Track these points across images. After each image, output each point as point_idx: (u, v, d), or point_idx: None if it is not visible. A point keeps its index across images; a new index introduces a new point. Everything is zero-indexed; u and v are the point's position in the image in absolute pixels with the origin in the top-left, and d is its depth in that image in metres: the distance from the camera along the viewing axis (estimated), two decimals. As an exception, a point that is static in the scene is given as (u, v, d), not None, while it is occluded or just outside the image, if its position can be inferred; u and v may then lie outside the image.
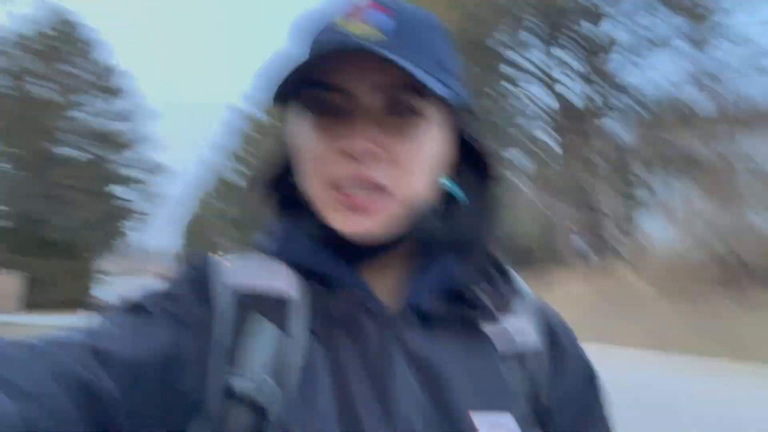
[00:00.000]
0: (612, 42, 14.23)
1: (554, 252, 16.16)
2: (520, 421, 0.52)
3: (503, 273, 0.60)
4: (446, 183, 0.56)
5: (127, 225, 20.79)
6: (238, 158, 36.89)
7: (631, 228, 15.78)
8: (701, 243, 11.41)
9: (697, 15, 12.52)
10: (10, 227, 17.10)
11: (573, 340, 0.60)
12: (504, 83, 16.27)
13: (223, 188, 41.32)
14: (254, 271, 0.54)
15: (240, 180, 36.61)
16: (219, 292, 0.51)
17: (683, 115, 12.59)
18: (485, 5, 12.58)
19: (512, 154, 17.23)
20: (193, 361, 0.47)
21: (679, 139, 12.15)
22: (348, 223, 0.50)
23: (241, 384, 0.48)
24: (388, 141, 0.50)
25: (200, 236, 51.21)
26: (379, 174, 0.50)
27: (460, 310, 0.54)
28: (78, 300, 16.79)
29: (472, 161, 0.58)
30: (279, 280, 0.53)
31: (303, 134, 0.53)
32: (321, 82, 0.50)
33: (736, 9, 12.67)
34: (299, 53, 0.50)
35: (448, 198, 0.56)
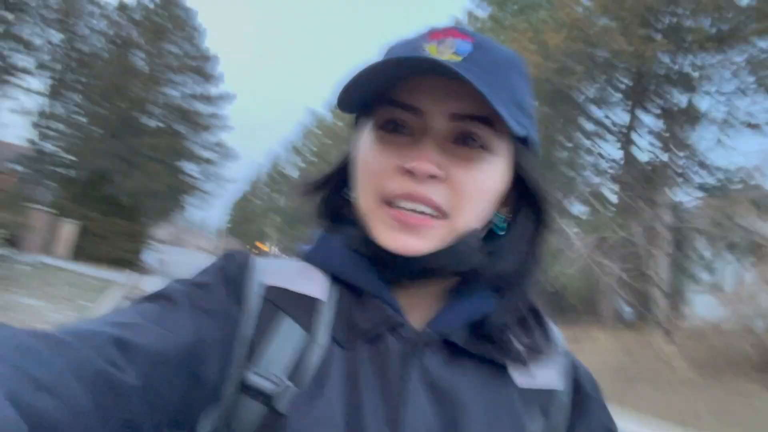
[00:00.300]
0: (699, 114, 14.09)
1: (594, 309, 16.00)
2: None
3: (538, 318, 0.59)
4: (499, 219, 0.57)
5: (188, 199, 21.64)
6: (297, 151, 37.78)
7: (679, 301, 15.49)
8: (745, 326, 11.17)
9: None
10: (79, 179, 18.12)
11: (598, 394, 0.60)
12: (580, 135, 16.29)
13: (277, 177, 42.34)
14: (290, 273, 0.55)
15: (294, 172, 37.47)
16: (250, 288, 0.52)
17: (756, 200, 12.36)
18: (576, 55, 12.69)
19: (574, 206, 17.21)
20: (215, 352, 0.47)
21: (746, 222, 11.95)
22: (397, 240, 0.50)
23: (257, 380, 0.48)
24: (451, 167, 0.51)
25: (245, 218, 52.45)
26: (437, 197, 0.50)
27: (487, 347, 0.54)
28: (126, 260, 17.61)
29: (527, 202, 0.57)
30: (312, 284, 0.54)
31: (367, 148, 0.53)
32: (396, 100, 0.51)
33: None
34: (377, 67, 0.49)
35: (494, 234, 0.57)
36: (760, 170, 12.68)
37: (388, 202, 0.51)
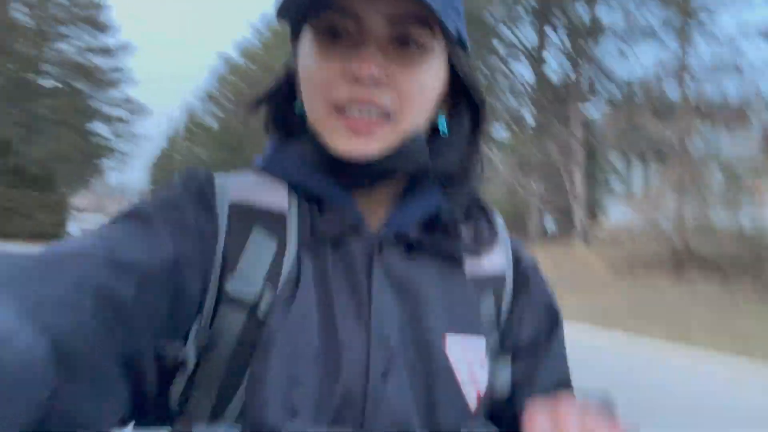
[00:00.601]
0: (602, 27, 14.61)
1: (520, 225, 16.92)
2: (489, 345, 0.57)
3: (482, 210, 0.63)
4: (441, 118, 0.59)
5: (105, 163, 20.54)
6: (213, 100, 36.24)
7: (596, 210, 16.62)
8: (654, 228, 12.24)
9: (686, 10, 12.97)
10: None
11: (538, 273, 0.64)
12: (493, 57, 16.56)
13: (195, 129, 40.60)
14: (251, 187, 0.56)
15: (212, 122, 36.05)
16: (218, 203, 0.54)
17: (660, 107, 13.21)
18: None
19: (492, 127, 17.71)
20: (194, 266, 0.49)
21: (653, 129, 12.80)
22: (349, 146, 0.52)
23: (236, 289, 0.51)
24: (393, 70, 0.52)
25: (168, 176, 50.32)
26: (383, 100, 0.52)
27: (440, 239, 0.58)
28: (49, 233, 16.74)
29: (464, 100, 0.60)
30: (274, 195, 0.56)
31: (310, 58, 0.54)
32: (334, 5, 0.51)
33: (719, 9, 13.16)
34: None
35: (436, 132, 0.59)
36: (659, 80, 13.50)
37: (338, 109, 0.52)
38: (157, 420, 0.51)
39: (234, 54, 32.98)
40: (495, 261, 0.61)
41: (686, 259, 11.15)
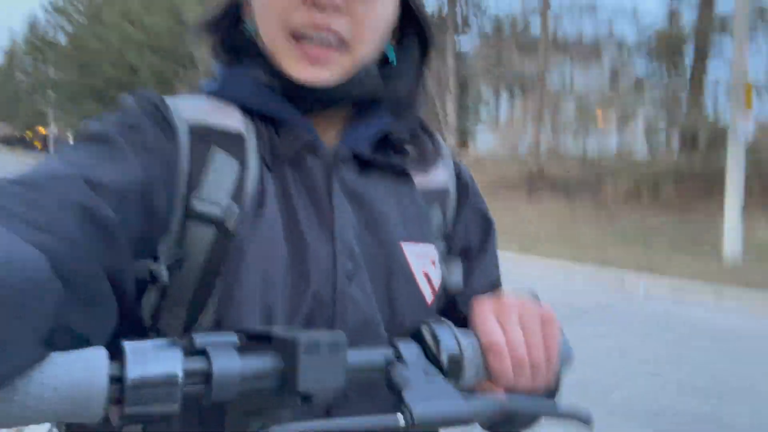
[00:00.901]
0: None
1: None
2: (438, 251, 0.61)
3: (427, 132, 0.66)
4: (390, 48, 0.61)
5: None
6: (62, 12, 32.01)
7: (465, 137, 17.70)
8: (513, 153, 13.45)
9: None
10: None
11: (474, 183, 0.69)
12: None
13: (40, 45, 35.82)
14: (205, 109, 0.56)
15: (62, 38, 32.02)
16: (176, 124, 0.54)
17: (524, 42, 14.13)
18: None
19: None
20: (161, 185, 0.50)
21: (517, 63, 13.72)
22: (305, 73, 0.54)
23: (203, 206, 0.52)
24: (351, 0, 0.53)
25: (11, 97, 44.38)
26: (340, 27, 0.53)
27: (391, 156, 0.61)
28: None
29: (412, 30, 0.62)
30: (229, 117, 0.56)
31: None
32: None
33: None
34: None
35: (385, 61, 0.61)
36: (525, 16, 14.36)
37: (295, 35, 0.53)
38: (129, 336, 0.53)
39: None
40: (439, 175, 0.65)
41: (539, 181, 12.48)
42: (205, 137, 0.55)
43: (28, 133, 45.27)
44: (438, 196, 0.64)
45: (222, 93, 0.59)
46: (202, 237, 0.52)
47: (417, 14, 0.61)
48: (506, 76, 14.62)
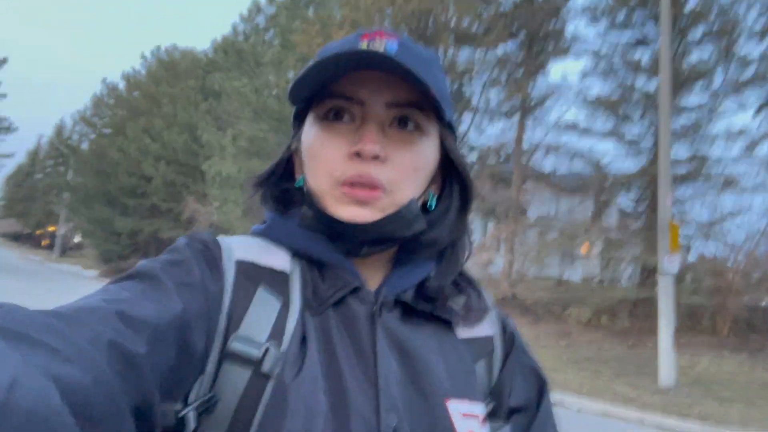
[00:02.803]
0: (467, 103, 16.85)
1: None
2: (487, 412, 0.59)
3: (469, 281, 0.67)
4: (431, 195, 0.63)
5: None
6: (87, 122, 34.76)
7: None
8: (484, 273, 14.24)
9: (526, 101, 15.55)
10: None
11: (524, 346, 0.67)
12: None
13: (63, 149, 38.36)
14: (255, 248, 0.59)
15: (85, 144, 34.40)
16: (223, 262, 0.56)
17: (499, 174, 15.54)
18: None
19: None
20: (200, 323, 0.50)
21: (491, 193, 14.99)
22: (349, 212, 0.56)
23: (240, 346, 0.51)
24: (392, 148, 0.58)
25: (26, 196, 46.50)
26: (381, 176, 0.57)
27: (432, 306, 0.61)
28: None
29: (452, 179, 0.65)
30: (276, 257, 0.59)
31: (315, 138, 0.59)
32: (340, 92, 0.57)
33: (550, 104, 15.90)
34: (326, 61, 0.54)
35: (426, 211, 0.63)
36: (496, 150, 15.95)
37: (342, 183, 0.57)
38: None
39: (119, 82, 32.13)
40: (485, 329, 0.64)
41: (510, 304, 13.25)
42: (252, 275, 0.56)
43: (38, 231, 46.71)
44: (483, 350, 0.63)
45: (269, 234, 0.62)
46: (236, 379, 0.50)
47: (456, 163, 0.64)
48: (482, 204, 15.78)
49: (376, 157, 0.57)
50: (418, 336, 0.59)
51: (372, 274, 0.61)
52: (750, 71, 11.74)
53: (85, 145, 33.99)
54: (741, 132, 11.95)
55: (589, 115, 13.89)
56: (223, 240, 0.59)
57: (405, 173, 0.58)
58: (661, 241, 8.27)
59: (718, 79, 12.17)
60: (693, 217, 12.35)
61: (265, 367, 0.51)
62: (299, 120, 0.64)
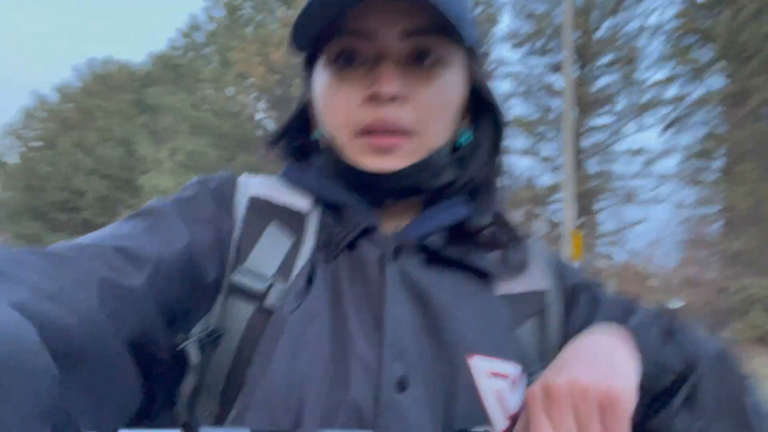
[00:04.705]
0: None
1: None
2: (526, 374, 0.50)
3: (511, 228, 0.59)
4: (462, 131, 0.57)
5: None
6: (18, 136, 33.42)
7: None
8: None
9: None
10: None
11: (579, 274, 0.59)
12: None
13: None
14: (276, 187, 0.57)
15: (12, 158, 33.04)
16: (237, 198, 0.54)
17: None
18: (296, 68, 14.96)
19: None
20: (209, 257, 0.49)
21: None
22: (372, 162, 0.52)
23: (244, 279, 0.49)
24: (412, 86, 0.52)
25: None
26: (404, 117, 0.51)
27: (465, 253, 0.54)
28: None
29: (483, 111, 0.58)
30: (298, 198, 0.56)
31: (326, 87, 0.54)
32: (347, 28, 0.51)
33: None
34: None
35: (457, 147, 0.57)
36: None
37: (363, 132, 0.52)
38: (166, 425, 0.47)
39: (51, 95, 31.19)
40: (533, 283, 0.56)
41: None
42: (265, 211, 0.54)
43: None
44: (529, 308, 0.55)
45: (288, 178, 0.59)
46: (239, 313, 0.49)
47: (485, 96, 0.58)
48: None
49: (394, 98, 0.51)
50: (443, 284, 0.52)
51: (399, 221, 0.56)
52: (648, 96, 13.10)
53: (13, 159, 32.66)
54: (640, 151, 13.27)
55: (510, 133, 14.88)
56: (241, 178, 0.58)
57: (430, 112, 0.53)
58: (564, 248, 9.15)
59: (622, 103, 13.50)
60: (604, 228, 13.54)
61: (269, 302, 0.49)
62: (309, 68, 0.59)
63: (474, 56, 0.58)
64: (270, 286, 0.50)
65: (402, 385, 0.46)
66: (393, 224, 0.56)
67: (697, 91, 12.65)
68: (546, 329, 0.55)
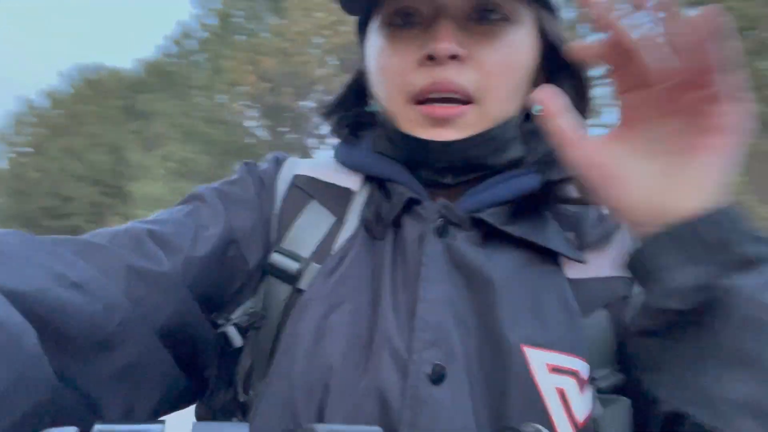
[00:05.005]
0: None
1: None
2: (595, 374, 0.43)
3: (589, 205, 0.51)
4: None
5: None
6: (7, 142, 33.15)
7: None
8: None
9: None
10: None
11: None
12: (310, 150, 18.83)
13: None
14: (325, 167, 0.55)
15: (2, 163, 32.74)
16: (280, 177, 0.53)
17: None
18: (286, 77, 15.08)
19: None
20: (254, 239, 0.48)
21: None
22: (429, 133, 0.47)
23: (281, 259, 0.48)
24: (474, 46, 0.47)
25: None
26: (465, 79, 0.46)
27: (530, 230, 0.47)
28: None
29: (562, 74, 0.52)
30: (344, 177, 0.53)
31: (380, 50, 0.50)
32: None
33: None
34: None
35: (530, 113, 0.50)
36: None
37: (418, 101, 0.48)
38: (228, 410, 0.47)
39: (39, 99, 31.00)
40: (606, 261, 0.48)
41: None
42: (308, 189, 0.52)
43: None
44: (607, 295, 0.47)
45: (339, 158, 0.56)
46: (278, 294, 0.48)
47: (565, 57, 0.50)
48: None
49: (454, 57, 0.47)
50: (500, 264, 0.46)
51: (454, 197, 0.51)
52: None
53: (1, 164, 32.37)
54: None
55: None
56: (291, 159, 0.57)
57: (495, 74, 0.48)
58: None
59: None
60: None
61: (303, 283, 0.47)
62: (363, 33, 0.55)
63: (548, 13, 0.52)
64: (305, 266, 0.48)
65: (437, 377, 0.40)
66: (446, 198, 0.51)
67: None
68: (620, 322, 0.47)
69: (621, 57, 0.35)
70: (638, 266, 0.37)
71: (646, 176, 0.37)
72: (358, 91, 0.57)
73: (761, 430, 0.31)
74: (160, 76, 20.64)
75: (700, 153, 0.35)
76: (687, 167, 0.36)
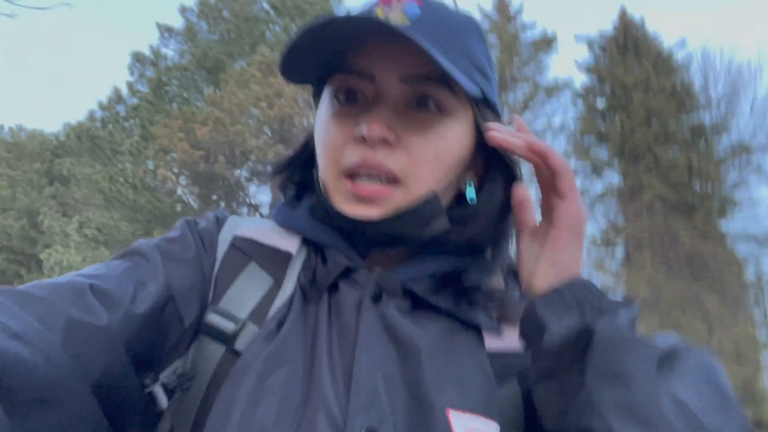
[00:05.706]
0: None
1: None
2: None
3: (515, 281, 0.56)
4: (469, 185, 0.54)
5: None
6: None
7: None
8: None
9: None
10: None
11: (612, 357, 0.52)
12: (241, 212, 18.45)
13: None
14: (264, 229, 0.55)
15: None
16: (222, 236, 0.53)
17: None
18: (220, 146, 14.93)
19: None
20: (191, 298, 0.48)
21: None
22: (353, 209, 0.49)
23: (216, 319, 0.48)
24: (405, 132, 0.49)
25: None
26: (391, 163, 0.49)
27: (454, 302, 0.52)
28: None
29: (494, 165, 0.55)
30: (282, 239, 0.54)
31: (324, 121, 0.52)
32: (347, 66, 0.50)
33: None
34: (318, 28, 0.46)
35: (464, 202, 0.54)
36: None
37: (348, 174, 0.50)
38: None
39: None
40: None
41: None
42: (246, 251, 0.53)
43: None
44: (514, 360, 0.51)
45: (278, 219, 0.57)
46: (210, 354, 0.47)
47: (496, 150, 0.53)
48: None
49: (385, 142, 0.49)
50: (427, 332, 0.49)
51: (388, 269, 0.53)
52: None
53: None
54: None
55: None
56: (231, 218, 0.58)
57: (423, 161, 0.50)
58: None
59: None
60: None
61: (240, 344, 0.47)
62: (317, 99, 0.57)
63: (486, 108, 0.55)
64: (241, 328, 0.48)
65: None
66: (378, 265, 0.54)
67: (597, 186, 13.81)
68: (529, 391, 0.50)
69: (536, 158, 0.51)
70: (530, 321, 0.48)
71: (533, 261, 0.51)
72: (309, 153, 0.59)
73: (632, 427, 0.39)
74: (86, 141, 19.97)
75: (548, 243, 0.50)
76: (542, 255, 0.50)
